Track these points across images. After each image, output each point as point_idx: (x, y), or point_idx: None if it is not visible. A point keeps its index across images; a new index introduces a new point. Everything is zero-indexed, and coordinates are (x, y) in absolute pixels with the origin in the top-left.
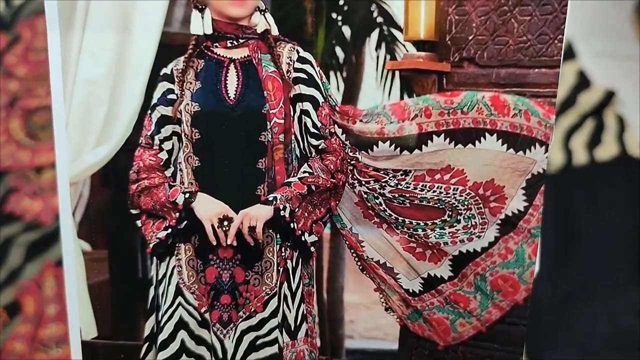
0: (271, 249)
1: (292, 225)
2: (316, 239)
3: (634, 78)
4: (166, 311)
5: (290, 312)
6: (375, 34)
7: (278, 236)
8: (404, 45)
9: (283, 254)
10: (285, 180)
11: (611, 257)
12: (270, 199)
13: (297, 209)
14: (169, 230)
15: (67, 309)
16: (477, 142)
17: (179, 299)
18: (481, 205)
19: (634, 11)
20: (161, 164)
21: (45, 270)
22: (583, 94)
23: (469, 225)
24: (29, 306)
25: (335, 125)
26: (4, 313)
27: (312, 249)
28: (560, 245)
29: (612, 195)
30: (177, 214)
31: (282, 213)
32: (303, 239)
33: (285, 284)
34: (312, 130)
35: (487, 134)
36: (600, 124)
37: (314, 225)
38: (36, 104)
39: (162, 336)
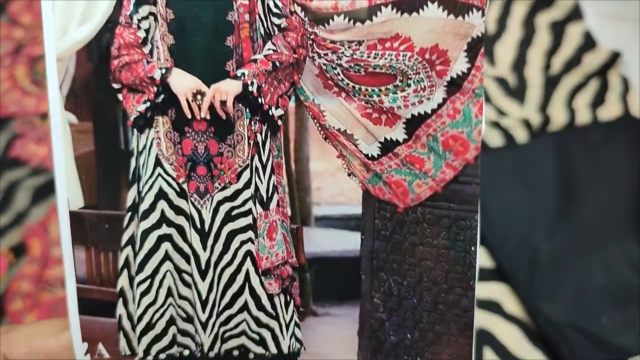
0: (242, 123)
1: (260, 100)
2: (282, 112)
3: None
4: (147, 181)
5: (262, 183)
6: None
7: (247, 110)
8: None
9: (253, 128)
10: (252, 58)
11: (609, 212)
12: (239, 74)
13: (263, 85)
14: (148, 104)
15: (55, 180)
16: (420, 10)
17: (158, 169)
18: (428, 69)
19: None
20: (140, 41)
21: (51, 214)
22: (588, 54)
23: (418, 89)
24: (35, 248)
25: (295, 4)
26: (11, 254)
27: (279, 122)
28: (560, 199)
29: (613, 154)
30: (155, 89)
31: (250, 88)
32: (270, 112)
33: (256, 156)
34: (274, 10)
35: (429, 3)
36: (604, 85)
37: (279, 99)
38: (41, 51)
39: (144, 206)
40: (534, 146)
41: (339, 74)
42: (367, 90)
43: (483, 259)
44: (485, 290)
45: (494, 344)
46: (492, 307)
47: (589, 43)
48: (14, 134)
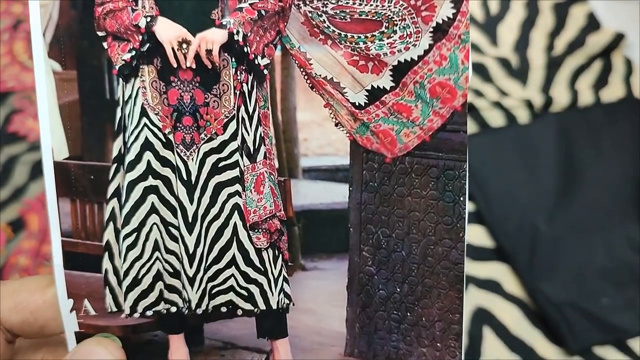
0: (227, 72)
1: (245, 49)
2: (268, 61)
3: None
4: (132, 132)
5: (248, 134)
6: None
7: (233, 60)
8: None
9: (239, 77)
10: (237, 6)
11: (611, 193)
12: (224, 23)
13: (249, 34)
14: (133, 53)
15: (39, 129)
16: None
17: (144, 119)
18: (414, 14)
19: None
20: None
21: None
22: (592, 35)
23: (404, 35)
24: (33, 223)
25: None
26: (9, 229)
27: (265, 71)
28: (562, 179)
29: (616, 135)
30: (140, 37)
31: (235, 37)
32: (256, 62)
33: (243, 107)
34: None
35: None
36: (607, 66)
37: (265, 48)
38: None
39: (129, 157)
40: (535, 126)
41: (324, 21)
42: (353, 37)
43: (483, 238)
44: (485, 269)
45: (493, 324)
46: (492, 286)
47: (592, 24)
48: (13, 109)
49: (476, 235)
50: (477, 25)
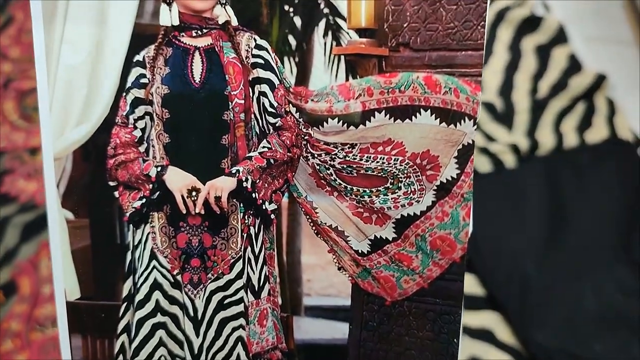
0: (235, 217)
1: (253, 195)
2: (276, 207)
3: (625, 62)
4: (142, 273)
5: (254, 273)
6: (322, 23)
7: (241, 205)
8: (347, 33)
9: (246, 221)
10: (247, 155)
11: (599, 237)
12: (234, 171)
13: (258, 180)
14: (144, 200)
15: (52, 272)
16: (413, 117)
17: (154, 262)
18: (419, 173)
19: None
20: (135, 140)
21: (40, 251)
22: (574, 77)
23: (409, 192)
24: (25, 286)
25: (290, 105)
26: (1, 293)
27: (272, 216)
28: (550, 224)
29: (602, 177)
30: (151, 186)
31: (244, 184)
32: (264, 207)
33: (249, 248)
34: (270, 109)
35: (422, 110)
36: (591, 107)
37: (273, 194)
38: (29, 85)
39: (139, 296)
40: (522, 171)
41: (331, 174)
42: (358, 190)
43: (473, 286)
44: (477, 318)
45: None
46: (485, 335)
47: (574, 66)
48: (4, 170)
49: (468, 283)
50: None
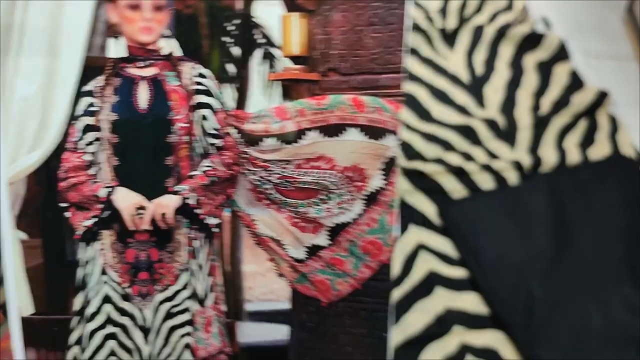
0: (180, 232)
1: (197, 211)
2: (218, 221)
3: (627, 78)
4: (93, 288)
5: (199, 283)
6: (259, 52)
7: (186, 220)
8: (281, 61)
9: (191, 235)
10: (190, 173)
11: (604, 253)
12: (178, 189)
13: (201, 197)
14: (94, 220)
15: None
16: (342, 134)
17: (104, 277)
18: (349, 184)
19: (625, 11)
20: (86, 164)
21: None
22: (576, 94)
23: (340, 202)
24: None
25: (230, 127)
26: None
27: (215, 229)
28: (554, 241)
29: (605, 193)
30: (101, 205)
31: (188, 201)
32: (207, 222)
33: (194, 260)
34: (211, 131)
35: (350, 128)
36: (593, 124)
37: (215, 210)
38: None
39: (91, 310)
40: (526, 188)
41: (269, 189)
42: (294, 202)
43: (477, 305)
44: (482, 338)
45: None
46: (490, 355)
47: (576, 83)
48: None
49: (471, 302)
50: (463, 87)
